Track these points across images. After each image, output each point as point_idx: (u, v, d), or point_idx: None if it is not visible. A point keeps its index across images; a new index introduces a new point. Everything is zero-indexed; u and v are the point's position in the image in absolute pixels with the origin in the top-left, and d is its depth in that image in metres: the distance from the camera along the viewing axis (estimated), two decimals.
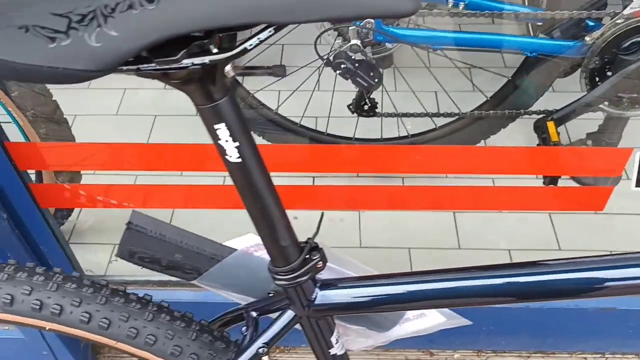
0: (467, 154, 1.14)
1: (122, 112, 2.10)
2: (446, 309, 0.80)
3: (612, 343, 1.43)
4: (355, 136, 1.60)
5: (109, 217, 1.75)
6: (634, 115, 1.34)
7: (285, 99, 1.66)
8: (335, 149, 1.17)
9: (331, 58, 1.33)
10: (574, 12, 1.20)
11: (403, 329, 0.83)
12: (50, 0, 0.44)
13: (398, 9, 0.45)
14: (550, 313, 1.36)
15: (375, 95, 1.49)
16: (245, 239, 0.74)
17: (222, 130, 0.54)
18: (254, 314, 0.76)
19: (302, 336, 0.75)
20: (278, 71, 2.07)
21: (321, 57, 1.34)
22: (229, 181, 0.59)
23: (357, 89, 1.42)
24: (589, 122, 1.57)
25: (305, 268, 0.65)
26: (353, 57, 1.31)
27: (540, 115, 1.40)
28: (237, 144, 0.55)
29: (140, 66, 0.48)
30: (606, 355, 1.47)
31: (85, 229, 1.71)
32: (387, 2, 0.44)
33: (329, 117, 1.68)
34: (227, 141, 0.54)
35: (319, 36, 1.33)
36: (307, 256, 0.65)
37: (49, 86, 1.35)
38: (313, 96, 1.68)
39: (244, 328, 0.75)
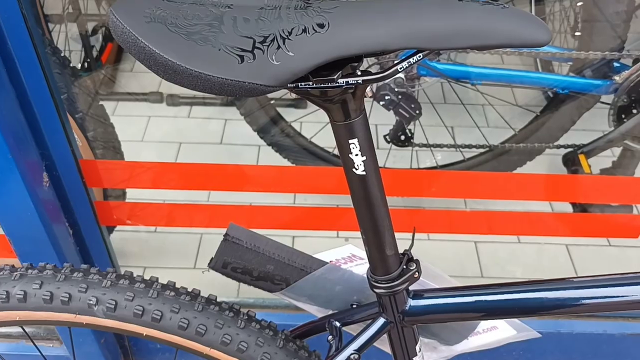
0: (499, 180, 1.21)
1: (147, 138, 2.15)
2: (517, 321, 0.85)
3: None
4: (386, 166, 1.66)
5: (137, 240, 1.79)
6: None
7: (320, 129, 1.73)
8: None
9: (375, 90, 1.40)
10: (606, 53, 1.29)
11: (470, 343, 0.88)
12: (238, 23, 0.50)
13: (536, 40, 0.51)
14: (578, 338, 1.41)
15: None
16: (339, 251, 0.79)
17: (354, 145, 0.59)
18: (337, 324, 0.80)
19: None
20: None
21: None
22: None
23: (396, 121, 1.49)
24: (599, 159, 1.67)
25: (404, 278, 0.70)
26: (396, 90, 1.38)
27: (568, 150, 1.48)
28: (364, 158, 0.60)
29: (300, 84, 0.53)
30: None
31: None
32: (528, 34, 0.51)
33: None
34: (356, 155, 0.60)
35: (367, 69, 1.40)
36: (405, 267, 0.70)
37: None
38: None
39: (329, 337, 0.79)
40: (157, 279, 0.79)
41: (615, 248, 1.84)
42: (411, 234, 0.76)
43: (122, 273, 0.78)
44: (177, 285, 0.79)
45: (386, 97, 1.37)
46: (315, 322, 0.84)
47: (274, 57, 0.50)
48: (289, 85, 0.53)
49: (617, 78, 1.35)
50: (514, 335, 0.85)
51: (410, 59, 0.54)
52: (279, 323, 0.82)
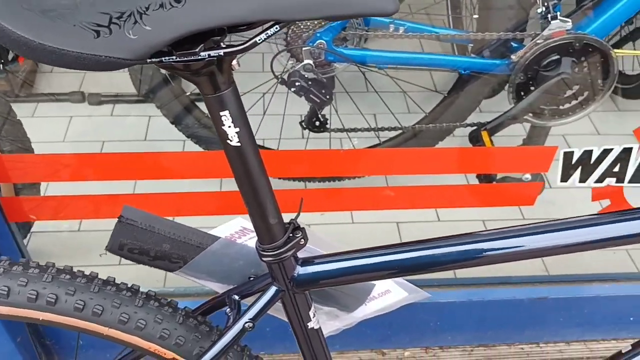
0: (411, 156, 1.26)
1: (69, 138, 2.11)
2: (409, 284, 0.90)
3: (545, 332, 1.57)
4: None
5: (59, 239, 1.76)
6: (555, 124, 1.51)
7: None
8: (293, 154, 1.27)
9: (286, 77, 1.43)
10: (500, 33, 1.36)
11: (368, 308, 0.92)
12: (95, 1, 0.51)
13: (384, 8, 0.55)
14: (489, 306, 1.49)
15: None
16: (231, 225, 0.82)
17: (226, 117, 0.62)
18: (235, 297, 0.82)
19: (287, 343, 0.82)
20: None
21: (276, 77, 1.44)
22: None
23: (309, 107, 1.52)
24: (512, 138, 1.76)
25: (289, 245, 0.73)
26: (306, 76, 1.42)
27: (474, 127, 1.55)
28: (237, 129, 0.63)
29: (164, 58, 0.56)
30: (540, 345, 1.61)
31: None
32: (374, 3, 0.55)
33: (280, 138, 1.77)
34: (229, 127, 0.62)
35: (275, 56, 1.42)
36: (291, 235, 0.73)
37: None
38: (266, 119, 1.78)
39: (227, 310, 0.82)
40: (54, 264, 0.79)
41: (529, 222, 1.93)
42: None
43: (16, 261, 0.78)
44: (72, 269, 0.80)
45: (296, 84, 1.41)
46: (217, 297, 0.86)
47: (130, 32, 0.52)
48: (153, 59, 0.55)
49: (513, 57, 1.43)
50: (406, 297, 0.90)
51: (268, 31, 0.57)
52: None
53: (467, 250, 0.76)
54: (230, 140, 0.64)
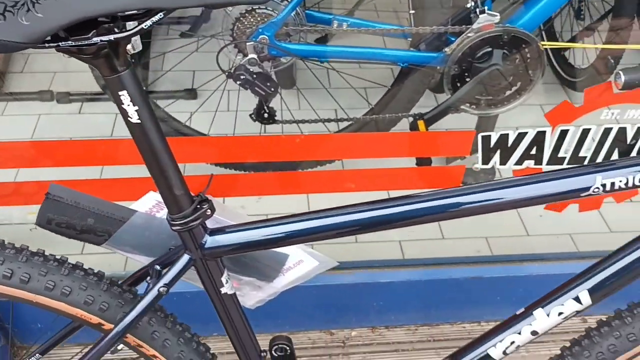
0: (351, 141, 1.34)
1: (37, 136, 2.17)
2: (318, 254, 0.97)
3: (485, 311, 1.65)
4: None
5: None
6: (490, 114, 1.59)
7: (193, 112, 1.82)
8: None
9: (232, 71, 1.50)
10: (433, 27, 1.44)
11: (287, 278, 0.99)
12: None
13: None
14: (431, 285, 1.57)
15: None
16: (146, 199, 0.89)
17: (124, 96, 0.69)
18: (157, 267, 0.90)
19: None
20: (189, 95, 2.24)
21: (223, 71, 1.52)
22: None
23: (258, 100, 1.60)
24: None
25: (196, 215, 0.80)
26: (251, 70, 1.49)
27: (414, 119, 1.63)
28: (136, 107, 0.70)
29: (61, 43, 0.63)
30: (481, 323, 1.69)
31: None
32: None
33: (234, 132, 1.86)
34: (128, 105, 0.70)
35: (219, 51, 1.50)
36: (198, 206, 0.81)
37: None
38: (223, 114, 1.86)
39: (148, 278, 0.89)
40: None
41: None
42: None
43: None
44: (3, 242, 0.87)
45: (241, 77, 1.48)
46: (143, 269, 0.94)
47: (23, 18, 0.59)
48: (51, 44, 0.62)
49: (447, 50, 1.51)
50: (318, 266, 0.97)
51: (154, 18, 0.65)
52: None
53: (360, 218, 0.83)
54: (131, 118, 0.71)
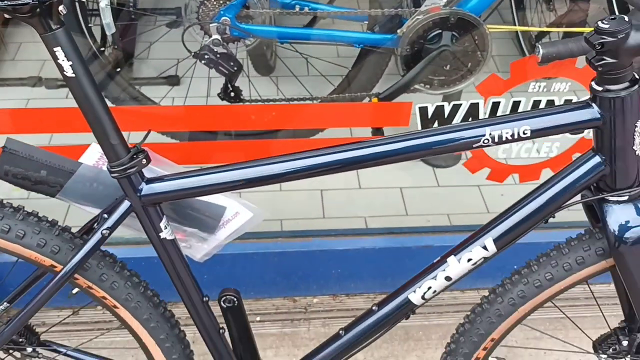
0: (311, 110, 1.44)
1: None
2: (252, 205, 1.07)
3: None
4: None
5: None
6: (444, 93, 1.69)
7: (167, 93, 1.94)
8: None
9: (198, 51, 1.61)
10: (377, 10, 1.53)
11: (228, 230, 1.09)
12: None
13: None
14: (386, 254, 1.66)
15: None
16: (91, 151, 0.99)
17: (59, 52, 0.80)
18: (105, 216, 1.00)
19: None
20: (173, 80, 2.35)
21: (189, 51, 1.62)
22: None
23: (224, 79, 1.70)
24: None
25: (132, 163, 0.90)
26: (215, 50, 1.60)
27: (373, 97, 1.72)
28: (70, 62, 0.81)
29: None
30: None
31: None
32: None
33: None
34: (63, 60, 0.80)
35: (184, 31, 1.61)
36: (135, 156, 0.91)
37: None
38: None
39: (95, 225, 1.00)
40: None
41: (442, 188, 2.11)
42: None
43: None
44: None
45: (206, 57, 1.59)
46: (93, 219, 1.04)
47: None
48: None
49: (399, 32, 1.61)
50: (253, 217, 1.07)
51: None
52: None
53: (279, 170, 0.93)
54: (66, 72, 0.81)
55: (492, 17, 1.88)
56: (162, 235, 0.99)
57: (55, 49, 0.80)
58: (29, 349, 1.22)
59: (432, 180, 2.12)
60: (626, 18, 0.81)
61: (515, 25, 2.10)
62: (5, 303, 1.15)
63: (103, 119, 0.87)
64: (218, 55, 1.59)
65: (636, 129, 0.88)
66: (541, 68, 1.28)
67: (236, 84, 1.69)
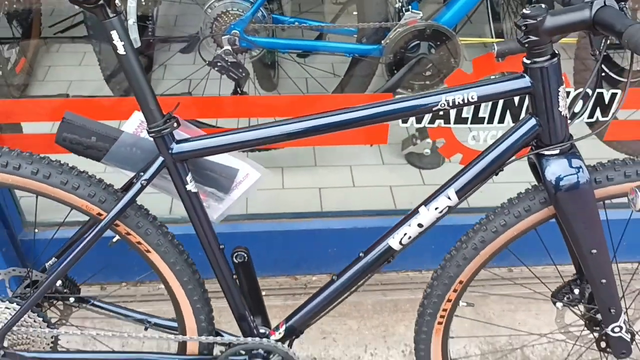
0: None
1: (53, 130, 2.55)
2: (259, 166, 1.31)
3: (425, 261, 1.96)
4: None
5: None
6: None
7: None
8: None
9: (212, 60, 1.88)
10: (364, 24, 1.81)
11: (240, 190, 1.33)
12: None
13: None
14: (377, 233, 1.88)
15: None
16: (133, 119, 1.24)
17: (114, 34, 1.06)
18: (142, 173, 1.24)
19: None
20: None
21: (203, 59, 1.89)
22: None
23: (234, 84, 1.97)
24: None
25: (166, 125, 1.15)
26: (226, 59, 1.87)
27: None
28: (122, 43, 1.07)
29: None
30: (422, 272, 2.00)
31: None
32: None
33: None
34: (117, 41, 1.06)
35: (199, 43, 1.88)
36: (168, 120, 1.16)
37: None
38: None
39: (134, 180, 1.24)
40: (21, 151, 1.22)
41: (427, 187, 2.35)
42: None
43: None
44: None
45: (218, 64, 1.86)
46: (132, 178, 1.28)
47: None
48: None
49: (383, 42, 1.88)
50: (260, 178, 1.31)
51: None
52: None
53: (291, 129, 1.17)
54: (119, 51, 1.07)
55: (470, 28, 2.16)
56: (188, 187, 1.23)
57: (112, 32, 1.06)
58: (72, 299, 1.45)
59: (419, 179, 2.36)
60: (543, 6, 1.07)
61: (492, 36, 2.38)
62: (53, 258, 1.39)
63: (144, 88, 1.12)
64: (229, 63, 1.86)
65: (559, 93, 1.13)
66: (500, 64, 1.53)
67: (244, 90, 1.96)
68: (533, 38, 1.07)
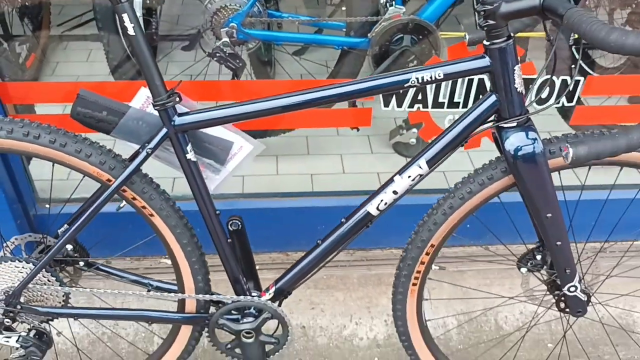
0: None
1: None
2: (252, 139, 1.46)
3: (408, 239, 2.10)
4: None
5: None
6: None
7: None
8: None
9: (211, 51, 2.04)
10: (352, 18, 1.97)
11: (235, 161, 1.48)
12: None
13: None
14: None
15: None
16: (139, 95, 1.39)
17: (125, 17, 1.21)
18: (147, 144, 1.40)
19: None
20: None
21: (204, 50, 2.05)
22: None
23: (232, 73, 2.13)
24: None
25: (169, 99, 1.31)
26: (225, 50, 2.03)
27: None
28: (132, 25, 1.22)
29: None
30: None
31: None
32: None
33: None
34: (127, 23, 1.22)
35: (199, 35, 2.04)
36: (170, 95, 1.31)
37: None
38: None
39: (139, 149, 1.39)
40: (40, 123, 1.37)
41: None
42: None
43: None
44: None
45: (217, 55, 2.01)
46: (138, 149, 1.43)
47: None
48: None
49: (369, 35, 2.03)
50: (253, 150, 1.46)
51: None
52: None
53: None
54: (129, 32, 1.23)
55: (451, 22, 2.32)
56: (188, 156, 1.38)
57: (123, 15, 1.21)
58: (82, 263, 1.60)
59: None
60: None
61: (477, 28, 2.54)
62: (65, 225, 1.54)
63: (151, 66, 1.27)
64: (227, 54, 2.01)
65: (515, 72, 1.28)
66: (472, 51, 1.69)
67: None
68: (491, 22, 1.22)
